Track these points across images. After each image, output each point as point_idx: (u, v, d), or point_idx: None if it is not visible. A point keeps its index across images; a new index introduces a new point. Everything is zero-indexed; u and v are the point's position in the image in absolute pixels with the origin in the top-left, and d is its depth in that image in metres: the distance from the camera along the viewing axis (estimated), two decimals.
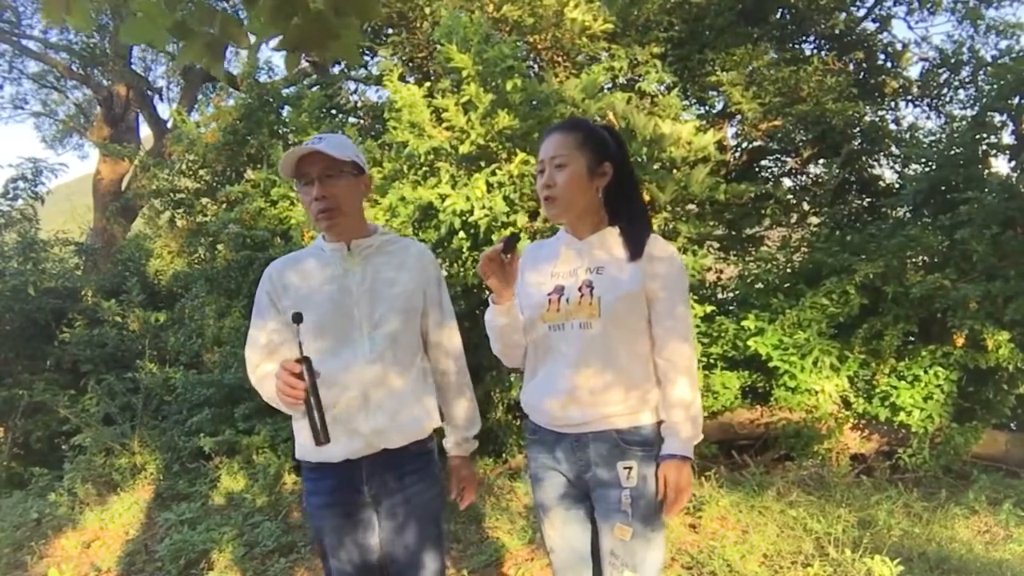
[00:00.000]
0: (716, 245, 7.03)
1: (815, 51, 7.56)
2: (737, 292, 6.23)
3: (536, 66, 6.29)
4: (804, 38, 7.76)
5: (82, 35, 11.35)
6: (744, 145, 7.45)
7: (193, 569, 3.96)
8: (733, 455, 5.43)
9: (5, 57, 12.88)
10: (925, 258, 5.71)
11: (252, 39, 1.62)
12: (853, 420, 5.25)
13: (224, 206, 6.85)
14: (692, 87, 7.02)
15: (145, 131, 12.37)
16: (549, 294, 2.12)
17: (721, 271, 7.13)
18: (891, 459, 5.17)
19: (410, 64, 6.92)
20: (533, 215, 5.14)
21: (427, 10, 6.51)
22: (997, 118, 6.08)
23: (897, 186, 7.22)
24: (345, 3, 1.58)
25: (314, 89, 7.34)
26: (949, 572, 3.59)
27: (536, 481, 2.23)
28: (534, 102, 5.21)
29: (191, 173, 7.24)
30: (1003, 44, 7.66)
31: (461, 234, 4.95)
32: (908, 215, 6.57)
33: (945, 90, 7.93)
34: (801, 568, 3.63)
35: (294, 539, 4.20)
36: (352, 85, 8.26)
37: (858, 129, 7.29)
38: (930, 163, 6.32)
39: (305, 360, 1.93)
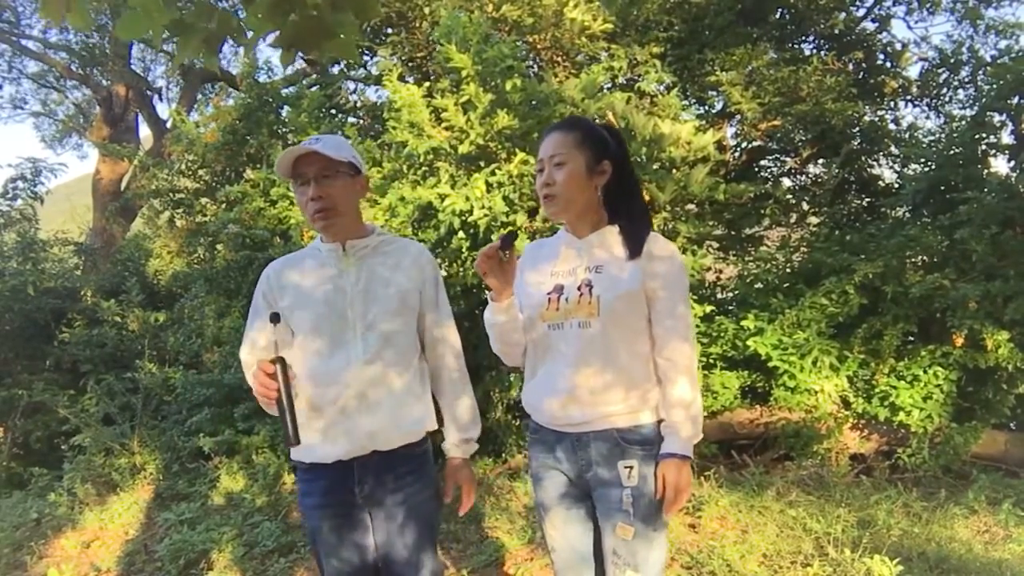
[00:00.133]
0: (715, 245, 7.03)
1: (814, 51, 7.56)
2: (736, 292, 6.23)
3: (536, 66, 6.29)
4: (803, 38, 7.76)
5: (81, 35, 11.35)
6: (743, 145, 7.46)
7: (193, 569, 3.96)
8: (733, 455, 5.43)
9: (5, 57, 12.91)
10: (924, 258, 5.71)
11: (249, 36, 1.63)
12: (853, 420, 5.25)
13: (223, 206, 6.85)
14: (691, 87, 7.02)
15: (144, 131, 12.39)
16: (548, 293, 2.12)
17: (720, 271, 7.13)
18: (890, 459, 5.17)
19: (409, 64, 6.92)
20: (532, 214, 5.14)
21: (426, 10, 6.51)
22: (996, 118, 6.08)
23: (896, 186, 7.22)
24: (343, 1, 1.58)
25: (313, 89, 7.34)
26: (948, 572, 3.59)
27: (537, 480, 2.23)
28: (533, 102, 5.21)
29: (190, 173, 7.24)
30: (1002, 44, 7.67)
31: (460, 234, 4.95)
32: (907, 215, 6.57)
33: (944, 90, 7.94)
34: (801, 568, 3.63)
35: (294, 539, 4.20)
36: (351, 85, 8.27)
37: (857, 129, 7.29)
38: (929, 163, 6.32)
39: (279, 361, 1.93)
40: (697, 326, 5.23)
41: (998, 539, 4.00)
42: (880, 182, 7.56)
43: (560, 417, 2.09)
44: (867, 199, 7.59)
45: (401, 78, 5.50)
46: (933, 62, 8.00)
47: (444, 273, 5.01)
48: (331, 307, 2.09)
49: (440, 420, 2.26)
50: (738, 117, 6.84)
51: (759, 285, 5.92)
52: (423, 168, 5.30)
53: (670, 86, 6.31)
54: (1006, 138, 6.09)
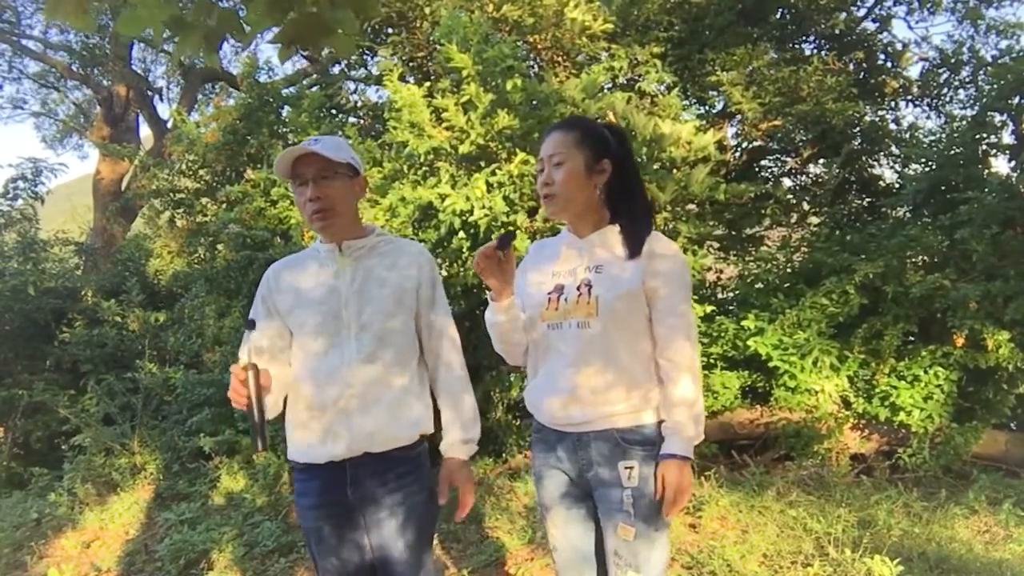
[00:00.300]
0: (716, 245, 7.03)
1: (815, 51, 7.56)
2: (737, 292, 6.23)
3: (536, 66, 6.29)
4: (804, 38, 7.76)
5: (82, 35, 11.35)
6: (744, 145, 7.46)
7: (193, 569, 3.96)
8: (733, 455, 5.42)
9: (5, 57, 12.90)
10: (925, 258, 5.71)
11: (248, 32, 1.63)
12: (853, 420, 5.25)
13: (224, 206, 6.85)
14: (692, 87, 7.02)
15: (145, 131, 12.39)
16: (549, 293, 2.12)
17: (721, 271, 7.14)
18: (891, 459, 5.17)
19: (410, 64, 6.92)
20: (532, 213, 5.14)
21: (427, 10, 6.51)
22: (997, 118, 6.08)
23: (897, 186, 7.22)
24: None
25: (314, 89, 7.35)
26: (949, 572, 3.59)
27: (538, 480, 2.22)
28: (534, 102, 5.21)
29: (191, 173, 7.24)
30: (1003, 44, 7.68)
31: (461, 234, 4.95)
32: (908, 215, 6.57)
33: (945, 90, 7.94)
34: (801, 568, 3.63)
35: (294, 539, 4.20)
36: (352, 85, 8.27)
37: (858, 129, 7.30)
38: (930, 163, 6.33)
39: (251, 367, 1.92)
40: (698, 326, 5.22)
41: (998, 539, 4.00)
42: (881, 182, 7.56)
43: (560, 417, 2.09)
44: (868, 199, 7.59)
45: (402, 78, 5.50)
46: (934, 62, 8.00)
47: (444, 273, 5.01)
48: (327, 307, 2.09)
49: (439, 421, 2.24)
50: (739, 117, 6.84)
51: (759, 285, 5.92)
52: (423, 168, 5.31)
53: (671, 86, 6.31)
54: (1007, 138, 6.10)
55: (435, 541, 3.85)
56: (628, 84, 6.46)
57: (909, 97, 7.96)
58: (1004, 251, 5.18)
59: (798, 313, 5.19)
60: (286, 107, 6.96)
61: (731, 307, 5.92)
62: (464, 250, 4.98)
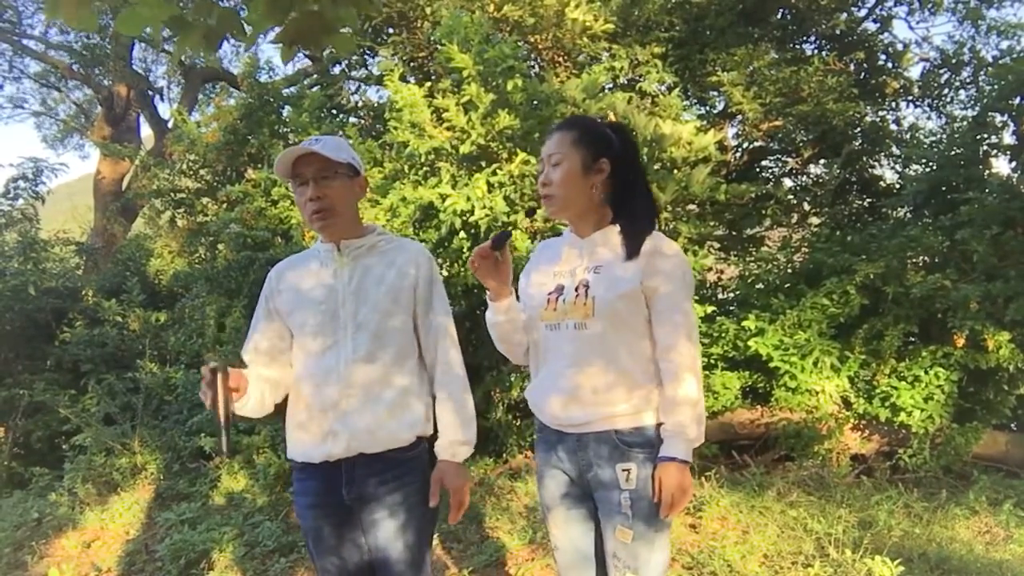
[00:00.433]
0: (717, 245, 7.04)
1: (816, 51, 7.56)
2: (738, 292, 6.23)
3: (537, 66, 6.29)
4: (805, 38, 7.76)
5: (83, 35, 11.35)
6: (745, 145, 7.46)
7: (193, 569, 3.96)
8: (733, 455, 5.43)
9: (6, 56, 12.91)
10: (926, 258, 5.72)
11: (249, 32, 1.63)
12: (853, 420, 5.25)
13: (225, 206, 6.85)
14: (693, 87, 7.02)
15: (146, 131, 12.40)
16: (549, 294, 2.11)
17: (722, 271, 7.14)
18: (891, 459, 5.17)
19: (411, 64, 6.92)
20: (530, 213, 5.14)
21: (428, 10, 6.51)
22: (998, 118, 6.08)
23: (898, 186, 7.22)
24: None
25: (315, 89, 7.35)
26: (949, 572, 3.59)
27: (540, 479, 2.22)
28: (535, 102, 5.22)
29: (192, 173, 7.25)
30: (1004, 44, 7.68)
31: (462, 234, 4.95)
32: (909, 215, 6.58)
33: (946, 90, 7.94)
34: (802, 568, 3.63)
35: (294, 539, 4.20)
36: (353, 85, 8.27)
37: (859, 129, 7.30)
38: (931, 163, 6.33)
39: (218, 370, 1.91)
40: (698, 327, 5.22)
41: (999, 540, 4.00)
42: (881, 183, 7.57)
43: (561, 417, 2.08)
44: (868, 199, 7.59)
45: (402, 78, 5.50)
46: (934, 62, 8.01)
47: (445, 273, 5.01)
48: (325, 307, 2.10)
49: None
50: (739, 117, 6.84)
51: (760, 285, 5.93)
52: (424, 168, 5.31)
53: (671, 86, 6.31)
54: (1007, 138, 6.10)
55: (435, 541, 3.86)
56: (629, 84, 6.46)
57: (910, 97, 7.97)
58: (1005, 252, 5.18)
59: (799, 313, 5.19)
60: (287, 107, 6.96)
61: (732, 307, 5.92)
62: (465, 250, 4.98)
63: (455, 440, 2.12)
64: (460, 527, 4.23)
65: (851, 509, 4.28)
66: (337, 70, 8.21)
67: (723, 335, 5.39)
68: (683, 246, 5.13)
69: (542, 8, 5.75)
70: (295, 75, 9.40)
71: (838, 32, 7.49)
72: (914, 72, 8.31)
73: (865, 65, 7.66)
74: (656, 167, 5.20)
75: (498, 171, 5.01)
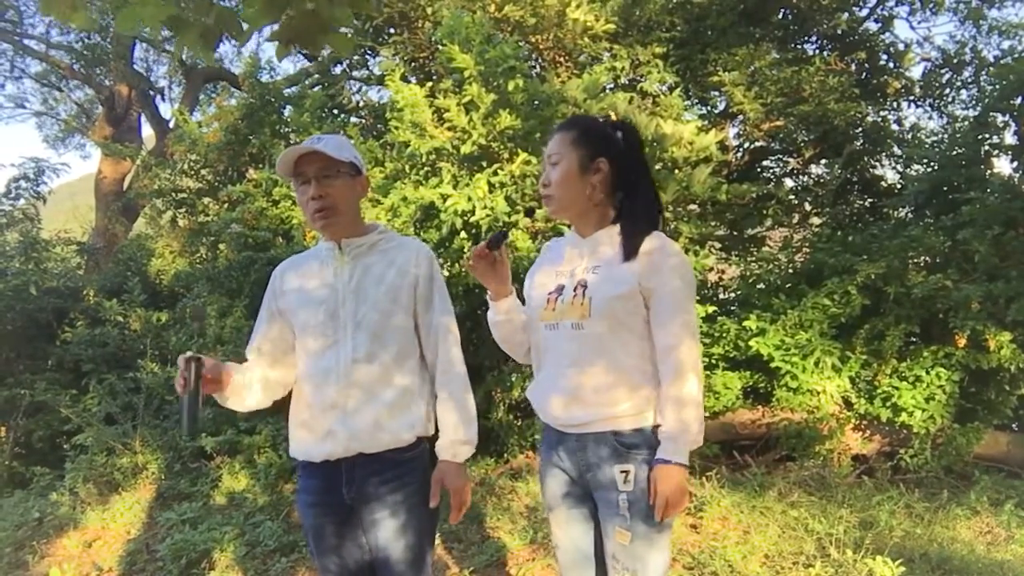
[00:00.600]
0: (718, 245, 7.03)
1: (817, 51, 7.56)
2: (739, 292, 6.23)
3: (538, 66, 6.29)
4: (806, 38, 7.76)
5: (84, 35, 11.36)
6: (746, 145, 7.46)
7: (194, 569, 3.96)
8: (734, 455, 5.43)
9: (7, 56, 12.90)
10: (927, 258, 5.72)
11: (245, 30, 1.63)
12: (855, 421, 5.25)
13: (226, 206, 6.86)
14: (694, 87, 7.02)
15: (147, 131, 12.40)
16: (549, 293, 2.11)
17: (723, 271, 7.14)
18: (892, 460, 5.17)
19: (412, 64, 6.92)
20: (530, 212, 5.14)
21: (429, 10, 6.51)
22: (999, 118, 6.08)
23: (899, 186, 7.22)
24: None
25: (316, 89, 7.36)
26: (951, 573, 3.58)
27: (542, 478, 2.22)
28: (536, 102, 5.21)
29: (193, 173, 7.26)
30: (1005, 44, 7.69)
31: (463, 234, 4.95)
32: (910, 215, 6.58)
33: (947, 90, 7.94)
34: (803, 569, 3.63)
35: (295, 539, 4.20)
36: (354, 85, 8.27)
37: (860, 129, 7.30)
38: (932, 163, 6.33)
39: (194, 360, 1.93)
40: (699, 327, 5.21)
41: (1000, 540, 4.00)
42: (883, 183, 7.57)
43: (560, 417, 2.08)
44: (869, 200, 7.59)
45: (403, 78, 5.50)
46: (936, 62, 8.01)
47: (446, 273, 5.01)
48: (325, 307, 2.10)
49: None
50: (740, 117, 6.83)
51: (761, 285, 5.93)
52: (425, 168, 5.31)
53: (672, 86, 6.31)
54: (1009, 139, 6.10)
55: (436, 541, 3.85)
56: (630, 84, 6.46)
57: (911, 97, 7.97)
58: (1006, 252, 5.18)
59: (800, 314, 5.19)
60: (288, 107, 6.97)
61: (733, 308, 5.92)
62: (466, 250, 4.98)
63: (456, 440, 2.11)
64: (461, 527, 4.23)
65: (852, 509, 4.28)
66: (338, 70, 8.22)
67: (724, 335, 5.38)
68: (684, 246, 5.14)
69: (543, 8, 5.75)
70: (296, 75, 9.41)
71: (839, 32, 7.49)
72: (915, 72, 8.31)
73: (866, 65, 7.66)
74: (657, 167, 5.19)
75: (499, 171, 5.01)
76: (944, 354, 5.08)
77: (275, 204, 5.96)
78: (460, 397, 2.14)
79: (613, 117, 5.01)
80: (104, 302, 7.18)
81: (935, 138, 6.91)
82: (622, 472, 1.99)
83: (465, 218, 4.89)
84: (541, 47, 6.14)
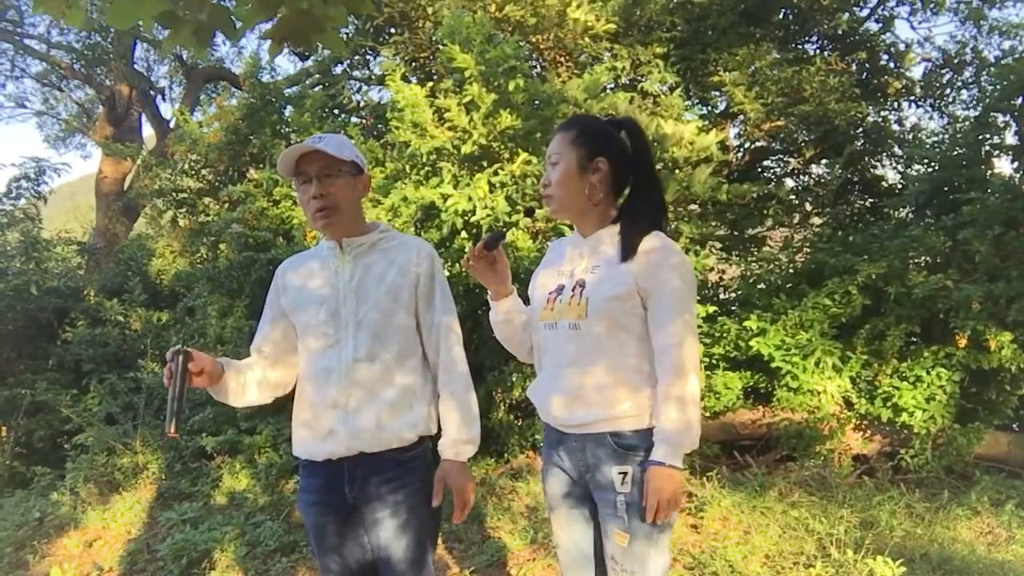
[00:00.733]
0: (718, 245, 7.03)
1: (818, 51, 7.56)
2: (739, 292, 6.23)
3: (538, 66, 6.30)
4: (807, 38, 7.75)
5: (84, 34, 11.36)
6: (746, 145, 7.46)
7: (195, 568, 3.96)
8: (735, 455, 5.42)
9: (7, 56, 12.90)
10: (927, 258, 5.71)
11: (239, 27, 1.63)
12: (855, 421, 5.24)
13: (226, 206, 6.86)
14: (694, 87, 7.01)
15: (148, 131, 12.40)
16: (550, 293, 2.11)
17: (723, 271, 7.14)
18: (893, 460, 5.17)
19: (412, 64, 6.92)
20: (529, 212, 5.14)
21: (429, 10, 6.51)
22: (1000, 119, 6.08)
23: (900, 186, 7.22)
24: None
25: (316, 89, 7.36)
26: (951, 573, 3.58)
27: (544, 477, 2.22)
28: (536, 102, 5.21)
29: (193, 173, 7.26)
30: (1006, 44, 7.68)
31: (463, 234, 4.95)
32: (911, 215, 6.57)
33: (948, 90, 7.94)
34: (803, 569, 3.63)
35: (296, 539, 4.20)
36: (355, 85, 8.27)
37: (861, 129, 7.29)
38: (933, 164, 6.32)
39: (180, 353, 1.93)
40: (700, 327, 5.22)
41: (1001, 540, 4.00)
42: (883, 183, 7.56)
43: (560, 417, 2.08)
44: (870, 200, 7.59)
45: (404, 78, 5.50)
46: (936, 63, 8.00)
47: (447, 273, 5.01)
48: (327, 306, 2.10)
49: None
50: (741, 117, 6.83)
51: (762, 286, 5.93)
52: (426, 168, 5.31)
53: (673, 86, 6.31)
54: (1010, 139, 6.09)
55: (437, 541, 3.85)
56: (630, 84, 6.46)
57: (912, 98, 7.96)
58: (1007, 252, 5.17)
59: (800, 314, 5.18)
60: (289, 107, 6.97)
61: (733, 308, 5.91)
62: (466, 250, 4.99)
63: (458, 439, 2.11)
64: (462, 527, 4.23)
65: (853, 509, 4.28)
66: (339, 70, 8.21)
67: (725, 335, 5.38)
68: (685, 246, 5.13)
69: (544, 8, 5.75)
70: (297, 75, 9.40)
71: (840, 32, 7.49)
72: (916, 72, 8.30)
73: (867, 65, 7.66)
74: (658, 167, 5.18)
75: (500, 171, 5.01)
76: (945, 354, 5.07)
77: (276, 204, 5.96)
78: (462, 396, 2.13)
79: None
80: (105, 302, 7.18)
81: (936, 138, 6.90)
82: (620, 473, 1.98)
83: (466, 218, 4.89)
84: (542, 47, 6.14)
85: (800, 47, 7.66)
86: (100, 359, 6.94)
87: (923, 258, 5.70)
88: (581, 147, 2.05)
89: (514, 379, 5.14)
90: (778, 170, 8.07)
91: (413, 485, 2.08)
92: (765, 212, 6.98)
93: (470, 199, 4.83)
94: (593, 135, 2.08)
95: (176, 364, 1.91)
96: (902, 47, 7.77)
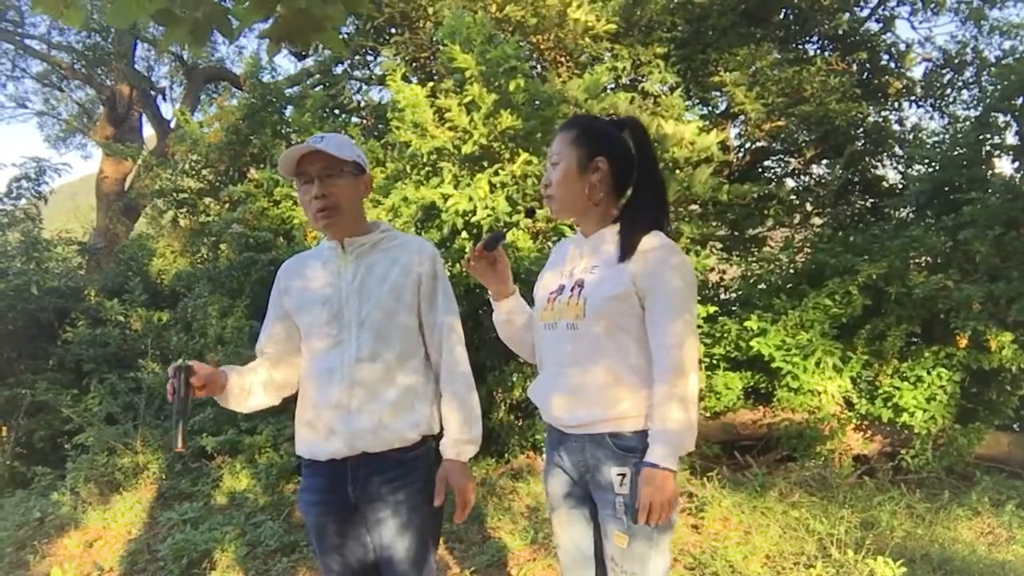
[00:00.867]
0: (719, 246, 7.03)
1: (818, 51, 7.56)
2: (740, 293, 6.23)
3: (539, 66, 6.29)
4: (807, 38, 7.75)
5: (85, 35, 11.37)
6: (747, 145, 7.46)
7: (195, 569, 3.96)
8: (735, 456, 5.42)
9: (8, 56, 12.90)
10: (928, 259, 5.71)
11: (236, 26, 1.63)
12: (856, 421, 5.24)
13: (227, 206, 6.86)
14: (695, 87, 7.01)
15: (148, 131, 12.40)
16: (551, 293, 2.11)
17: (724, 272, 7.14)
18: (894, 460, 5.16)
19: (413, 64, 6.93)
20: (530, 213, 5.14)
21: (430, 10, 6.51)
22: (1001, 119, 6.07)
23: (900, 187, 7.22)
24: None
25: (317, 89, 7.36)
26: (952, 573, 3.58)
27: (545, 477, 2.22)
28: (537, 102, 5.21)
29: (194, 173, 7.26)
30: (1007, 45, 7.67)
31: (464, 234, 4.95)
32: (911, 216, 6.57)
33: (948, 91, 7.93)
34: (804, 569, 3.63)
35: (296, 539, 4.20)
36: (355, 85, 8.27)
37: (861, 130, 7.29)
38: (933, 164, 6.32)
39: (182, 369, 1.92)
40: (700, 327, 5.22)
41: (1001, 541, 4.00)
42: (884, 183, 7.56)
43: (561, 417, 2.07)
44: (871, 200, 7.59)
45: (405, 78, 5.50)
46: (937, 63, 8.00)
47: (447, 273, 5.01)
48: (329, 306, 2.10)
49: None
50: (742, 117, 6.83)
51: (762, 286, 5.93)
52: (426, 168, 5.31)
53: (673, 86, 6.31)
54: (1010, 139, 6.09)
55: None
56: (631, 84, 6.46)
57: (912, 98, 7.96)
58: (1007, 252, 5.17)
59: (801, 314, 5.18)
60: (289, 107, 6.97)
61: (734, 308, 5.91)
62: (467, 250, 4.99)
63: (460, 439, 2.11)
64: (462, 527, 4.23)
65: (853, 510, 4.28)
66: (339, 70, 8.22)
67: (725, 335, 5.38)
68: (685, 246, 5.13)
69: (544, 8, 5.74)
70: (298, 75, 9.40)
71: (840, 32, 7.48)
72: (917, 72, 8.30)
73: (868, 65, 7.66)
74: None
75: (500, 171, 5.01)
76: (945, 354, 5.07)
77: (276, 204, 5.96)
78: (464, 397, 2.14)
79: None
80: (105, 302, 7.18)
81: (936, 138, 6.90)
82: (619, 475, 1.97)
83: (466, 218, 4.89)
84: (542, 47, 6.14)
85: (801, 47, 7.67)
86: (100, 359, 6.94)
87: (924, 258, 5.70)
88: (581, 147, 2.05)
89: (514, 379, 5.14)
90: (779, 170, 8.07)
91: (415, 485, 2.08)
92: (766, 212, 6.98)
93: (471, 199, 4.83)
94: (593, 135, 2.07)
95: (179, 380, 1.91)
96: (903, 47, 7.78)
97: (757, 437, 5.47)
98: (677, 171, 5.21)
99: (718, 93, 6.96)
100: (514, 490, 4.82)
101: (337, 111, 7.34)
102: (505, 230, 4.77)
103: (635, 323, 1.99)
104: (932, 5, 8.08)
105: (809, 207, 7.79)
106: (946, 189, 5.98)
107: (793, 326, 5.18)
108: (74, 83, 13.50)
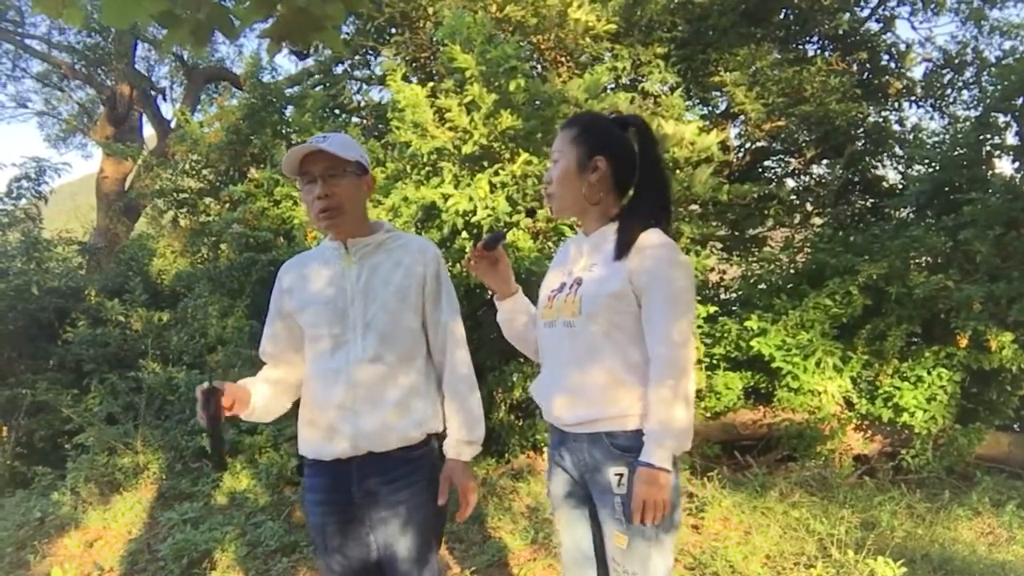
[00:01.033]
0: (719, 246, 7.03)
1: (819, 51, 7.56)
2: (740, 293, 6.23)
3: (539, 66, 6.29)
4: (808, 38, 7.75)
5: (85, 35, 11.36)
6: (747, 145, 7.46)
7: (196, 568, 3.96)
8: (736, 456, 5.42)
9: (8, 56, 12.90)
10: (928, 259, 5.72)
11: (237, 26, 1.63)
12: (856, 421, 5.24)
13: (227, 206, 6.86)
14: (695, 87, 7.01)
15: (148, 131, 12.41)
16: (552, 292, 2.11)
17: (724, 272, 7.14)
18: (894, 460, 5.17)
19: (413, 64, 6.93)
20: (530, 212, 5.14)
21: (430, 10, 6.51)
22: (1001, 119, 6.07)
23: (900, 187, 7.22)
24: None
25: (317, 89, 7.35)
26: (952, 573, 3.58)
27: (548, 476, 2.22)
28: (537, 102, 5.21)
29: (194, 173, 7.26)
30: (1007, 45, 7.67)
31: (464, 234, 4.95)
32: (911, 216, 6.57)
33: (949, 91, 7.94)
34: (804, 569, 3.63)
35: (297, 539, 4.20)
36: (355, 85, 8.27)
37: (861, 130, 7.30)
38: (934, 164, 6.32)
39: (209, 391, 1.94)
40: (700, 327, 5.22)
41: (1002, 541, 4.00)
42: (884, 183, 7.56)
43: (559, 416, 2.07)
44: (871, 200, 7.59)
45: (405, 78, 5.50)
46: (937, 63, 8.00)
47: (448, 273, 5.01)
48: (333, 306, 2.09)
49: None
50: (742, 117, 6.84)
51: (763, 286, 5.93)
52: (427, 168, 5.31)
53: (674, 86, 6.31)
54: (1010, 139, 6.09)
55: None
56: (631, 84, 6.46)
57: (913, 98, 7.96)
58: (1008, 252, 5.17)
59: (801, 314, 5.18)
60: (289, 107, 6.97)
61: (734, 308, 5.92)
62: (467, 250, 4.99)
63: (461, 439, 2.13)
64: (463, 527, 4.23)
65: (854, 510, 4.28)
66: (340, 70, 8.22)
67: (725, 335, 5.38)
68: (685, 246, 5.13)
69: (544, 8, 5.74)
70: (298, 75, 9.40)
71: (841, 32, 7.48)
72: (917, 72, 8.31)
73: (868, 65, 7.66)
74: None
75: (500, 171, 5.01)
76: (946, 354, 5.07)
77: (276, 204, 5.96)
78: (465, 397, 2.15)
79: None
80: (105, 302, 7.18)
81: (936, 138, 6.90)
82: (616, 475, 1.96)
83: (466, 218, 4.89)
84: (542, 47, 6.14)
85: (801, 47, 7.67)
86: (101, 359, 6.94)
87: (924, 258, 5.71)
88: (581, 145, 2.04)
89: (515, 379, 5.13)
90: (779, 170, 8.07)
91: (419, 484, 2.09)
92: (766, 212, 6.98)
93: (471, 199, 4.83)
94: (594, 133, 2.07)
95: (211, 405, 1.93)
96: (903, 47, 7.78)
97: (757, 437, 5.47)
98: (677, 171, 5.21)
99: (718, 93, 6.96)
100: (514, 490, 4.82)
101: (337, 111, 7.34)
102: (505, 230, 4.77)
103: (632, 321, 1.98)
104: (932, 5, 8.08)
105: (809, 207, 7.80)
106: (946, 189, 5.98)
107: (793, 326, 5.18)
108: (74, 83, 13.50)
